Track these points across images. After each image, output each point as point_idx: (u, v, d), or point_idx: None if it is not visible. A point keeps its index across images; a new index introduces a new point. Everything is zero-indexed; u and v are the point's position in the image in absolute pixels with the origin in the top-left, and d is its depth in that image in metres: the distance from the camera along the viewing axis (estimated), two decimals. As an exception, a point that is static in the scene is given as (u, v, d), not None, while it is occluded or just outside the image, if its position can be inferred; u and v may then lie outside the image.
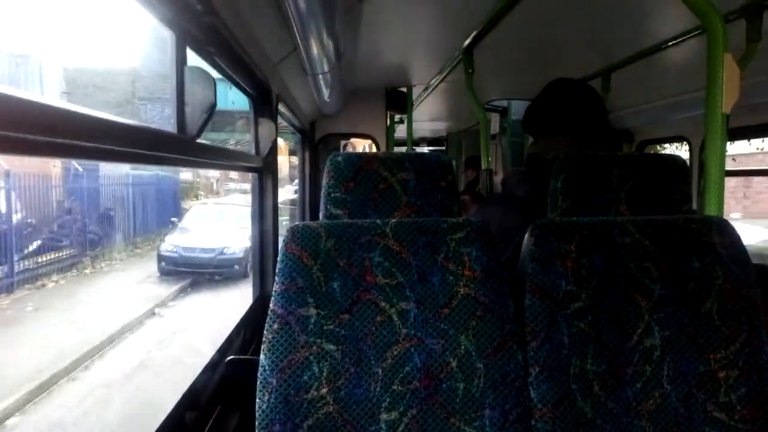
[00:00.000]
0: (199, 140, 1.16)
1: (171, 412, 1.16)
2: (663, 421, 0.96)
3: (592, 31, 2.08)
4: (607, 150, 1.30)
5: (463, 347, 0.95)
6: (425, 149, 6.67)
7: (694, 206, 1.32)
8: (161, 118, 13.25)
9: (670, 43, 2.02)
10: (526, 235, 1.04)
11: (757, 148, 8.69)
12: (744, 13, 1.63)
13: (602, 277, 1.00)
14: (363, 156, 1.09)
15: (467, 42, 2.16)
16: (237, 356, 1.37)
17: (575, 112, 1.38)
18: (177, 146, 1.08)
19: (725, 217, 1.13)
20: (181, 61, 1.10)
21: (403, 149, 4.07)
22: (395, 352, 0.95)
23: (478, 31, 2.01)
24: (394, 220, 1.01)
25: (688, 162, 2.82)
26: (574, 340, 0.97)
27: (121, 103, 13.93)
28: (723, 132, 1.16)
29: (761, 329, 0.99)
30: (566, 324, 0.97)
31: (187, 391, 1.26)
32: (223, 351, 1.49)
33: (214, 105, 1.13)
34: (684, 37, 1.93)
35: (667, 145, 3.24)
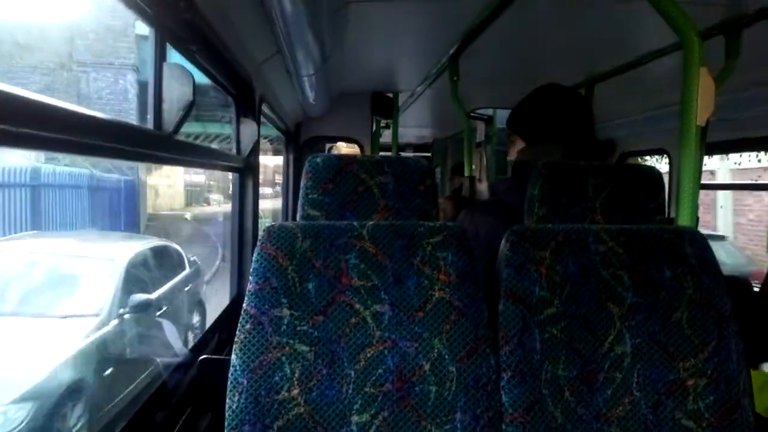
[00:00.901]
0: (177, 138, 1.15)
1: (140, 410, 1.15)
2: (632, 427, 0.97)
3: (576, 42, 2.11)
4: (598, 160, 1.30)
5: (436, 350, 0.95)
6: (410, 156, 6.68)
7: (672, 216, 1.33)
8: (112, 93, 9.74)
9: (650, 57, 2.05)
10: (503, 241, 1.05)
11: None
12: (723, 30, 1.66)
13: (575, 284, 1.00)
14: (342, 158, 1.09)
15: (453, 49, 2.17)
16: (209, 356, 1.36)
17: (568, 120, 1.36)
18: (154, 142, 1.07)
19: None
20: (160, 57, 1.09)
21: (389, 155, 4.08)
22: (368, 355, 0.94)
23: (464, 39, 2.02)
24: (371, 223, 1.01)
25: (667, 175, 2.87)
26: (546, 346, 0.98)
27: (53, 70, 9.60)
28: (697, 144, 1.18)
29: (730, 339, 1.01)
30: (539, 330, 0.98)
31: (157, 390, 1.24)
32: (197, 351, 1.48)
33: (192, 102, 1.12)
34: (664, 52, 1.96)
35: (648, 158, 3.28)
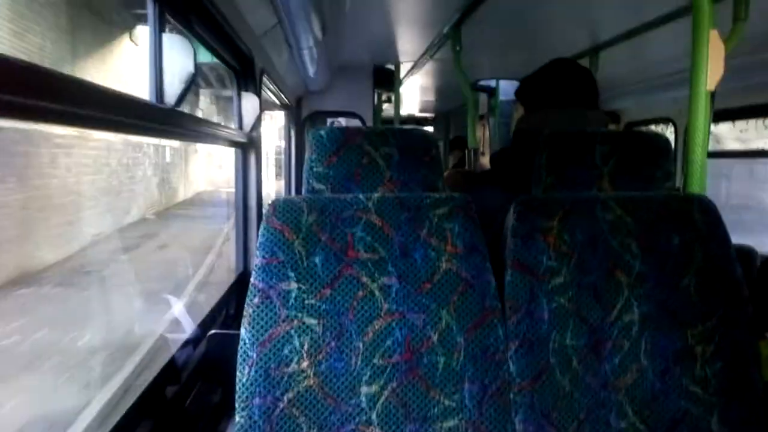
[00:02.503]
0: (179, 110, 1.13)
1: (150, 385, 1.16)
2: (640, 395, 0.98)
3: (580, 9, 2.06)
4: (594, 125, 1.29)
5: (444, 322, 0.95)
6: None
7: (678, 185, 1.33)
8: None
9: (657, 22, 2.01)
10: (510, 211, 1.04)
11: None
12: None
13: (583, 253, 1.00)
14: (346, 130, 1.08)
15: (455, 18, 2.13)
16: (218, 330, 1.37)
17: (566, 87, 1.37)
18: (155, 115, 1.06)
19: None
20: (159, 28, 1.07)
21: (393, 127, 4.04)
22: (376, 327, 0.94)
23: (467, 7, 1.98)
24: (376, 195, 1.00)
25: (672, 143, 2.84)
26: (554, 315, 0.98)
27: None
28: (707, 110, 1.16)
29: (738, 306, 1.01)
30: (546, 299, 0.98)
31: (167, 365, 1.25)
32: (205, 326, 1.49)
33: (194, 74, 1.10)
34: (671, 16, 1.92)
35: (652, 127, 3.25)
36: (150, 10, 1.08)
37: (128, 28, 8.95)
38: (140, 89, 1.11)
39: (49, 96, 0.63)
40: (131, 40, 9.06)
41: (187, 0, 1.17)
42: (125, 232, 8.51)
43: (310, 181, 1.05)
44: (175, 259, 7.77)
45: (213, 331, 1.33)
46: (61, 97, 0.67)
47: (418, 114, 6.61)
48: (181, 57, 1.09)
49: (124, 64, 8.72)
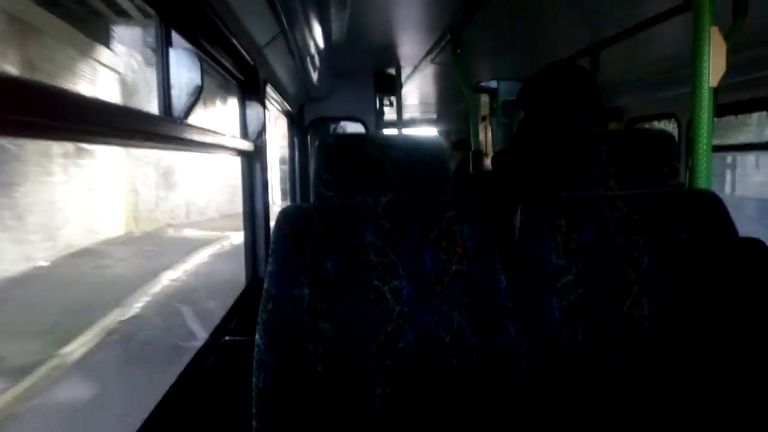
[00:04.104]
0: (187, 123, 1.15)
1: (165, 395, 1.17)
2: (652, 389, 0.98)
3: (580, 8, 2.07)
4: (595, 127, 1.30)
5: (455, 323, 0.96)
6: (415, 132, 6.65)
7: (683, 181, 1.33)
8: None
9: (657, 19, 2.02)
10: (518, 211, 1.05)
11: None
12: None
13: (592, 251, 1.01)
14: (354, 137, 1.09)
15: (455, 20, 2.14)
16: (231, 338, 1.38)
17: (564, 90, 1.39)
18: (164, 129, 1.07)
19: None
20: (165, 42, 1.08)
21: (393, 132, 4.06)
22: (389, 329, 0.96)
23: (466, 9, 2.00)
24: (385, 199, 1.02)
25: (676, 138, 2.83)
26: (564, 313, 0.99)
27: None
28: (710, 105, 1.16)
29: (748, 299, 1.01)
30: (557, 297, 0.99)
31: (181, 375, 1.26)
32: (216, 334, 1.50)
33: (200, 87, 1.11)
34: (671, 13, 1.93)
35: (655, 123, 3.26)
36: (156, 25, 1.10)
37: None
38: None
39: (57, 114, 0.64)
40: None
41: (193, 15, 1.19)
42: None
43: (319, 188, 1.07)
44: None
45: (226, 339, 1.34)
46: (71, 114, 0.68)
47: (419, 117, 6.62)
48: (188, 70, 1.11)
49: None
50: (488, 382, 0.95)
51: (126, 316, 5.13)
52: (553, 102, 1.40)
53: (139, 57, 9.98)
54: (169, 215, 11.26)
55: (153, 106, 1.13)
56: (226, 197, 13.70)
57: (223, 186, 13.57)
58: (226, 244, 9.55)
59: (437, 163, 1.09)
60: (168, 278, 6.71)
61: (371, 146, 1.07)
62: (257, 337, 0.94)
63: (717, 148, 1.66)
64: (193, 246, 8.82)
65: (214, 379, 1.37)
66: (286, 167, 3.79)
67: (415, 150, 1.08)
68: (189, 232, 10.63)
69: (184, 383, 1.27)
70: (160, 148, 1.11)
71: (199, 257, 8.23)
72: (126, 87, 9.50)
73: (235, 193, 13.29)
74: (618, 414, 0.98)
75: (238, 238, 9.35)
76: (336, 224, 0.99)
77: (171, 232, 10.53)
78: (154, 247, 8.66)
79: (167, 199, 11.13)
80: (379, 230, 0.99)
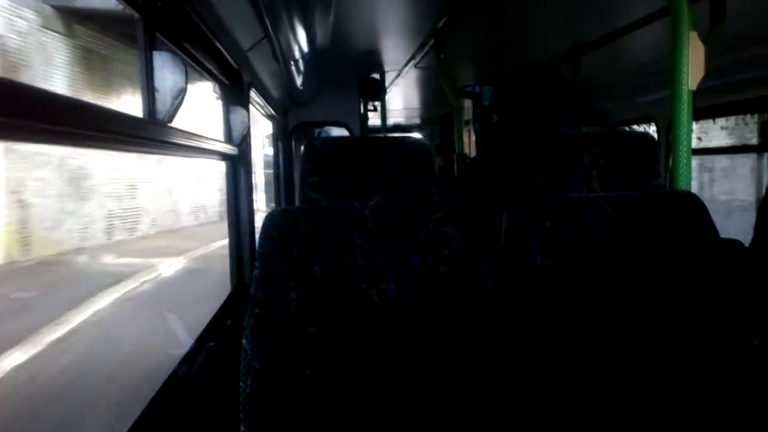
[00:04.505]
0: (171, 127, 1.14)
1: (151, 402, 1.15)
2: (640, 388, 1.00)
3: (561, 14, 2.10)
4: (568, 131, 1.32)
5: (443, 325, 0.97)
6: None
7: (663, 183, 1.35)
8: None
9: (638, 25, 2.05)
10: (503, 214, 1.06)
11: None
12: None
13: (576, 253, 1.02)
14: (340, 140, 1.10)
15: (439, 26, 2.16)
16: (217, 343, 1.37)
17: (537, 93, 1.40)
18: (148, 132, 1.06)
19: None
20: (149, 45, 1.07)
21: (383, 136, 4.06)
22: (377, 332, 0.95)
23: (450, 15, 2.01)
24: (372, 202, 1.02)
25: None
26: (550, 314, 0.99)
27: None
28: (689, 109, 1.19)
29: (727, 300, 1.03)
30: (542, 299, 1.00)
31: (166, 381, 1.25)
32: (202, 340, 1.48)
33: (184, 90, 1.11)
34: (651, 18, 1.96)
35: (635, 126, 3.32)
36: (139, 28, 1.09)
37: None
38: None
39: (39, 116, 0.63)
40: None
41: (177, 18, 1.18)
42: None
43: (306, 191, 1.06)
44: None
45: (212, 344, 1.33)
46: (54, 116, 0.67)
47: (404, 122, 6.64)
48: (171, 73, 1.10)
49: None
50: (476, 383, 0.96)
51: None
52: (523, 105, 1.41)
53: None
54: (78, 235, 8.42)
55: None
56: (167, 207, 10.92)
57: (163, 191, 10.75)
58: (148, 280, 6.74)
59: (423, 165, 1.09)
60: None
61: (358, 149, 1.07)
62: (244, 341, 0.93)
63: (696, 152, 1.69)
64: (94, 285, 5.96)
65: (199, 385, 1.36)
66: (270, 171, 3.78)
67: (401, 153, 1.09)
68: (100, 260, 7.95)
69: (169, 388, 1.25)
70: (144, 152, 1.10)
71: (89, 312, 5.31)
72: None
73: (180, 201, 11.37)
74: (602, 413, 0.99)
75: (173, 267, 7.40)
76: (323, 228, 0.98)
77: (73, 260, 7.77)
78: (30, 290, 5.79)
79: (77, 214, 8.41)
80: (367, 233, 0.99)
